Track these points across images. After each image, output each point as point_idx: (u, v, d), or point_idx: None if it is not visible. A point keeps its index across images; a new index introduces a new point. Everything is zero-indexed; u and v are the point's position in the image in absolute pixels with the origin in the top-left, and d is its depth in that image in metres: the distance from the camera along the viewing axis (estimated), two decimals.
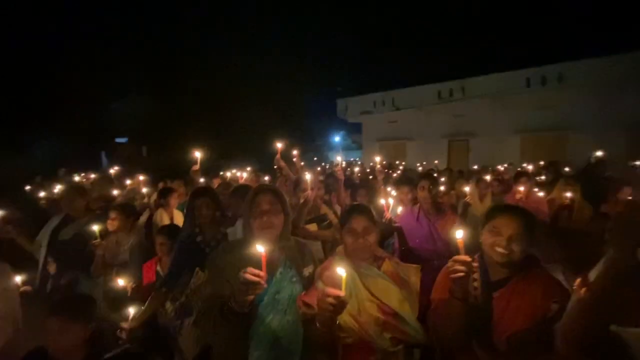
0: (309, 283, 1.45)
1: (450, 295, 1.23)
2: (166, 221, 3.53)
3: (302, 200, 2.48)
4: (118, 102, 19.54)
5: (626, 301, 0.78)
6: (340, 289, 1.08)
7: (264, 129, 19.14)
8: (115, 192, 4.33)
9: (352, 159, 16.61)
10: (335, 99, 17.58)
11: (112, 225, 2.83)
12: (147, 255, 2.72)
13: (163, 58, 24.07)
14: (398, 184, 3.18)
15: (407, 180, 3.11)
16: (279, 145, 3.36)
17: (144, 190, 4.70)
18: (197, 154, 3.06)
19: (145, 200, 4.63)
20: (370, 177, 5.98)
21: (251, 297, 1.17)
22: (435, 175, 7.34)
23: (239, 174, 5.13)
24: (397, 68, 21.24)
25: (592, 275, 0.77)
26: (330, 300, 1.07)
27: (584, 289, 0.78)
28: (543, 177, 5.59)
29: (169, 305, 2.29)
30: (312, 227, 2.61)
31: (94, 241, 2.57)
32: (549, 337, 1.13)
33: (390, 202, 2.66)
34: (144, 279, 2.56)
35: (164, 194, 3.58)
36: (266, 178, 5.13)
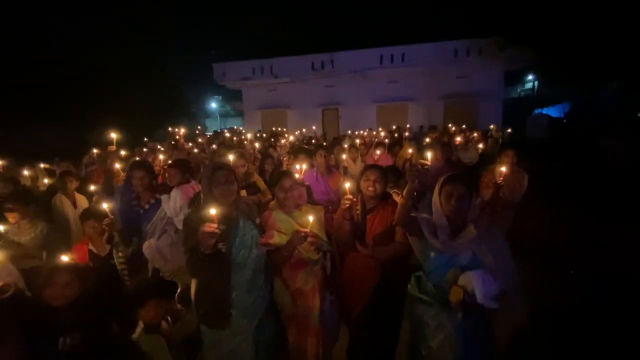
0: (261, 227, 2.15)
1: (343, 217, 2.18)
2: (68, 206, 3.39)
3: None
4: None
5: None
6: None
7: (132, 97, 16.47)
8: None
9: (232, 127, 16.51)
10: (212, 63, 16.63)
11: (13, 217, 2.68)
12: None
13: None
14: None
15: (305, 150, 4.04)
16: (182, 131, 3.74)
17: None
18: (113, 135, 3.13)
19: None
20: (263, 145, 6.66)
21: (212, 242, 1.69)
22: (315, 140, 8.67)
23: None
24: (275, 37, 21.04)
25: (405, 192, 1.81)
26: (301, 235, 1.88)
27: (400, 199, 1.82)
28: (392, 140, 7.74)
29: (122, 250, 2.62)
30: (242, 192, 3.21)
31: None
32: (393, 234, 2.23)
33: (303, 167, 3.52)
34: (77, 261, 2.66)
35: (62, 179, 3.40)
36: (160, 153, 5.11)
